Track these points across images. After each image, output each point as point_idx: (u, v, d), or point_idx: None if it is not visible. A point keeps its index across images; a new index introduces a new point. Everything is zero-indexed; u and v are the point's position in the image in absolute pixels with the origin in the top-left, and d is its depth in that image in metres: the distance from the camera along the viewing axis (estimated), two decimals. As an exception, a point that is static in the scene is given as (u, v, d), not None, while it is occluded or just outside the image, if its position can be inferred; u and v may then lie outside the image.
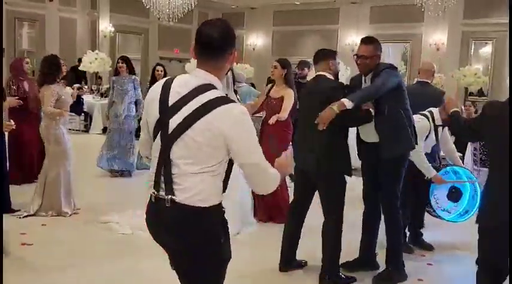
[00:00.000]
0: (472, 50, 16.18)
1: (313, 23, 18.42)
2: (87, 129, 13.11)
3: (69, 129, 7.80)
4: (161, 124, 2.11)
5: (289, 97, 5.50)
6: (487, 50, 16.03)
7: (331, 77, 4.30)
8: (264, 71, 14.58)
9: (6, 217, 4.90)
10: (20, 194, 6.01)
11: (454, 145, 5.13)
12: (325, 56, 4.42)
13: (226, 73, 2.30)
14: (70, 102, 5.77)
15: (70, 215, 5.63)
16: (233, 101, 2.10)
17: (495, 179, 3.01)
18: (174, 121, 2.05)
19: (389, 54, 16.04)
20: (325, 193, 4.12)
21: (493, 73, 14.92)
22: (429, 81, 5.70)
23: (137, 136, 7.60)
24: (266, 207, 5.78)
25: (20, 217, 5.42)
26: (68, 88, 5.89)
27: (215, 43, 2.10)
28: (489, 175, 3.10)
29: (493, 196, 3.02)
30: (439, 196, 4.60)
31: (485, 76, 13.79)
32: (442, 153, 5.27)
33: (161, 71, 8.10)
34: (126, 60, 8.05)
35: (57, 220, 5.47)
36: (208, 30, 2.14)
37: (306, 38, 18.13)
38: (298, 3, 18.12)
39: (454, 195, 4.56)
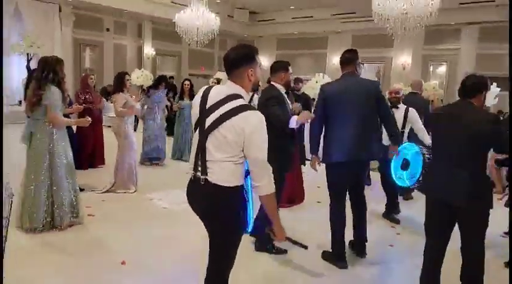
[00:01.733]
0: (431, 69, 16.12)
1: (307, 48, 18.39)
2: (134, 129, 13.08)
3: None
4: (200, 122, 2.15)
5: None
6: (442, 69, 15.95)
7: (280, 86, 3.78)
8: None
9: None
10: (86, 176, 6.12)
11: (422, 126, 4.97)
12: (276, 69, 3.89)
13: (255, 87, 2.30)
14: (134, 105, 5.80)
15: (134, 191, 5.70)
16: (254, 109, 2.13)
17: (434, 164, 3.08)
18: (209, 120, 2.10)
19: (367, 71, 15.99)
20: None
21: (447, 87, 14.83)
22: (419, 92, 6.32)
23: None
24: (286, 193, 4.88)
25: (99, 193, 5.56)
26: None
27: (232, 61, 2.16)
28: (432, 162, 3.19)
29: (431, 176, 3.09)
30: (395, 168, 4.52)
31: (441, 90, 13.72)
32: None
33: (188, 84, 8.18)
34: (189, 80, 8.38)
35: (115, 196, 5.50)
36: (230, 52, 2.21)
37: (302, 60, 18.08)
38: (296, 32, 18.08)
39: (405, 165, 4.45)
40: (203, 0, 11.91)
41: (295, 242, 3.02)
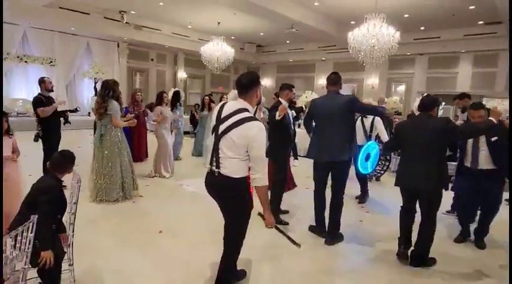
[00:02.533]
0: (393, 89, 15.97)
1: (300, 72, 18.31)
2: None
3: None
4: (216, 128, 2.18)
5: None
6: (401, 88, 15.77)
7: (284, 101, 3.88)
8: (271, 101, 14.55)
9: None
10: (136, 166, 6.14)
11: (384, 128, 4.95)
12: (283, 88, 4.01)
13: (258, 102, 2.29)
14: (166, 116, 5.88)
15: (168, 177, 5.78)
16: (257, 120, 2.14)
17: (402, 160, 3.15)
18: (222, 127, 2.13)
19: (344, 90, 15.89)
20: None
21: (405, 101, 14.70)
22: (383, 105, 6.81)
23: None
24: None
25: (146, 177, 5.68)
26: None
27: (243, 84, 2.18)
28: (400, 157, 3.24)
29: (400, 169, 3.14)
30: (361, 160, 4.48)
31: (401, 104, 13.61)
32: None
33: (207, 99, 7.85)
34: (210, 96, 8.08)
35: (156, 181, 5.56)
36: (241, 77, 2.24)
37: (295, 81, 17.90)
38: (291, 60, 18.05)
39: (367, 158, 4.46)
40: (221, 37, 11.98)
41: (290, 240, 2.59)
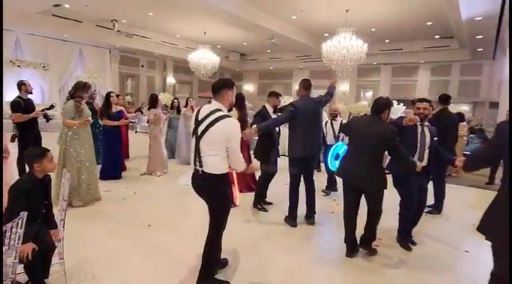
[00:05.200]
0: (362, 94, 16.31)
1: (279, 78, 18.42)
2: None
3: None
4: (195, 130, 2.16)
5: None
6: (369, 94, 16.12)
7: (269, 107, 4.04)
8: (254, 104, 14.55)
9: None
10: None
11: None
12: (271, 95, 4.11)
13: (232, 106, 2.32)
14: (163, 118, 5.81)
15: (159, 175, 5.57)
16: (230, 117, 2.12)
17: (349, 155, 2.98)
18: (201, 128, 2.10)
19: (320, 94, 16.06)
20: None
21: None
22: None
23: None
24: (247, 183, 4.82)
25: (140, 175, 5.51)
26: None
27: (216, 86, 2.18)
28: (347, 156, 3.03)
29: (344, 163, 3.00)
30: (331, 159, 4.53)
31: (369, 108, 13.88)
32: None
33: (191, 101, 6.89)
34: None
35: (147, 179, 5.40)
36: (216, 81, 2.24)
37: (276, 87, 18.04)
38: (271, 68, 18.12)
39: (337, 157, 4.45)
40: (208, 46, 11.88)
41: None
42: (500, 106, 9.31)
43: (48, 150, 2.22)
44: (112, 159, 5.15)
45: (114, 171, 5.18)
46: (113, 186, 4.81)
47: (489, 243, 1.66)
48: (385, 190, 2.83)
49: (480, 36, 10.17)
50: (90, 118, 3.92)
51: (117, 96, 5.50)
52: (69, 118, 3.75)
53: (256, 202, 4.13)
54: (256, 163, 3.04)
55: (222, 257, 2.58)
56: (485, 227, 1.67)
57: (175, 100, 7.28)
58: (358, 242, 3.01)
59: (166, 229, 3.39)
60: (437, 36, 11.97)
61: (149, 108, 5.81)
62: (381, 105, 2.81)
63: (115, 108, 5.15)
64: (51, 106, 4.59)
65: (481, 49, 11.66)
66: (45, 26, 10.81)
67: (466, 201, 4.92)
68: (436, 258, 3.06)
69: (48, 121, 4.63)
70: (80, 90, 3.86)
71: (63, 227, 2.29)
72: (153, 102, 5.71)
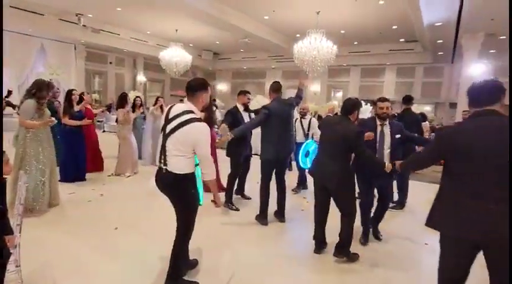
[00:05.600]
0: (332, 94, 16.74)
1: (252, 78, 18.49)
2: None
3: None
4: (164, 128, 2.11)
5: None
6: (339, 94, 16.57)
7: (240, 106, 4.16)
8: (227, 103, 14.52)
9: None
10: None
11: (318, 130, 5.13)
12: (240, 94, 4.20)
13: (205, 107, 2.26)
14: (133, 117, 5.64)
15: (128, 176, 5.44)
16: (201, 120, 2.08)
17: (318, 154, 2.98)
18: (169, 127, 2.06)
19: (290, 95, 16.26)
20: None
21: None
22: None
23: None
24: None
25: (108, 176, 5.35)
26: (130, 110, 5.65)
27: (192, 87, 2.13)
28: (317, 155, 3.04)
29: (314, 162, 3.02)
30: (302, 156, 4.58)
31: (339, 108, 14.25)
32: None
33: (160, 100, 6.66)
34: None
35: (114, 179, 5.21)
36: (190, 81, 2.19)
37: (249, 86, 18.09)
38: (244, 68, 18.14)
39: (307, 155, 4.51)
40: (179, 44, 11.68)
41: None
42: (458, 107, 9.94)
43: (4, 152, 2.08)
44: (74, 160, 4.87)
45: (77, 172, 4.91)
46: (78, 188, 4.61)
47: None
48: None
49: (440, 41, 10.82)
50: (53, 118, 3.69)
51: (82, 94, 5.30)
52: (28, 119, 3.49)
53: (227, 201, 4.14)
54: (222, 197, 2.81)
55: (191, 258, 2.55)
56: (433, 220, 1.81)
57: (138, 99, 6.69)
58: (333, 252, 2.90)
59: (134, 231, 3.29)
60: (402, 40, 12.56)
61: (117, 108, 5.57)
62: (350, 106, 2.84)
63: (77, 107, 4.90)
64: (9, 93, 4.28)
65: (442, 53, 12.40)
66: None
67: (426, 196, 5.19)
68: (398, 252, 3.21)
69: (15, 108, 4.25)
70: (44, 89, 3.58)
71: (20, 232, 2.16)
72: (122, 101, 5.49)
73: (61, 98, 5.73)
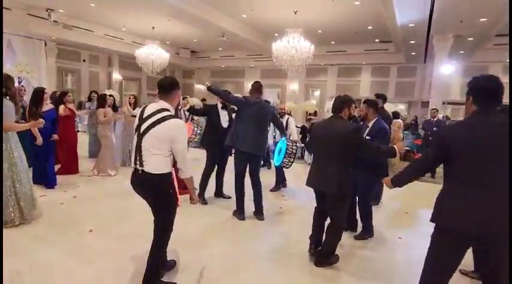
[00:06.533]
0: (310, 93, 16.99)
1: (231, 77, 18.43)
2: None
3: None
4: (138, 127, 2.08)
5: None
6: (317, 93, 16.86)
7: (218, 103, 4.31)
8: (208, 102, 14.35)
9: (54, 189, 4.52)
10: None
11: (294, 128, 5.32)
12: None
13: (179, 105, 2.27)
14: (113, 117, 5.63)
15: (114, 175, 5.41)
16: (177, 117, 2.08)
17: (314, 161, 2.85)
18: (144, 126, 2.03)
19: (270, 94, 16.42)
20: None
21: (320, 104, 15.72)
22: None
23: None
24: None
25: (89, 176, 5.29)
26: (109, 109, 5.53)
27: (165, 87, 2.12)
28: (313, 159, 2.92)
29: (310, 170, 2.84)
30: (276, 154, 4.54)
31: (316, 107, 14.53)
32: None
33: (132, 98, 6.43)
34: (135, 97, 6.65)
35: (87, 180, 5.02)
36: (162, 80, 2.17)
37: (227, 85, 17.96)
38: (223, 66, 18.04)
39: (280, 151, 4.57)
40: (156, 42, 11.45)
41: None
42: (430, 106, 10.36)
43: None
44: (42, 166, 4.51)
45: (45, 180, 4.51)
46: (49, 190, 4.43)
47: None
48: None
49: (413, 41, 11.21)
50: (41, 120, 3.49)
51: (65, 93, 5.36)
52: (13, 121, 3.16)
53: (199, 194, 4.23)
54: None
55: (168, 259, 2.52)
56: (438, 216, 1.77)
57: (110, 97, 6.15)
58: (315, 261, 2.79)
59: (109, 234, 3.21)
60: (377, 40, 12.92)
61: (97, 108, 5.51)
62: (339, 103, 2.72)
63: (46, 107, 4.57)
64: None
65: (414, 53, 12.86)
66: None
67: (400, 191, 5.37)
68: (372, 246, 3.31)
69: None
70: (10, 82, 3.19)
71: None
72: (102, 101, 5.47)
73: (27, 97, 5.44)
